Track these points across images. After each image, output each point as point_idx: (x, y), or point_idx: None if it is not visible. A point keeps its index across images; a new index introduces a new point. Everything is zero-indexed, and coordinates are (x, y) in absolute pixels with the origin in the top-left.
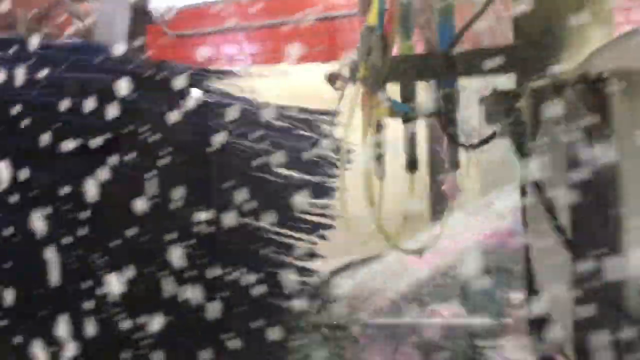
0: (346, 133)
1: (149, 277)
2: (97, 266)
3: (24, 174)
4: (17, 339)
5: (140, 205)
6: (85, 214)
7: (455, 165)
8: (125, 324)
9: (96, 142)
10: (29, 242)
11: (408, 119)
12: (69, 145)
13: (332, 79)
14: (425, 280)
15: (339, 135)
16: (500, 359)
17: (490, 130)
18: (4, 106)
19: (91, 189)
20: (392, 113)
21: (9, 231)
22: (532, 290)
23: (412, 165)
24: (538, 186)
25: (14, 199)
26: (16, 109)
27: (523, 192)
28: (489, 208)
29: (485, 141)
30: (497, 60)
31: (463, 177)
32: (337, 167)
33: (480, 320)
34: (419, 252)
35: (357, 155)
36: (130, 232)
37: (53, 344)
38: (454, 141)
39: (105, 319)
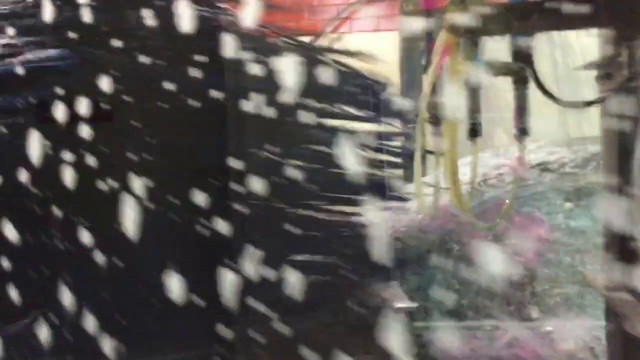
0: (429, 90)
1: None
2: None
3: None
4: None
5: None
6: None
7: (524, 132)
8: None
9: None
10: None
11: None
12: None
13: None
14: None
15: (423, 93)
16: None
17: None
18: None
19: None
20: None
21: None
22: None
23: (474, 132)
24: None
25: None
26: None
27: None
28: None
29: (598, 100)
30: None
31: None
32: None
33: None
34: (491, 228)
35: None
36: None
37: None
38: (551, 96)
39: None
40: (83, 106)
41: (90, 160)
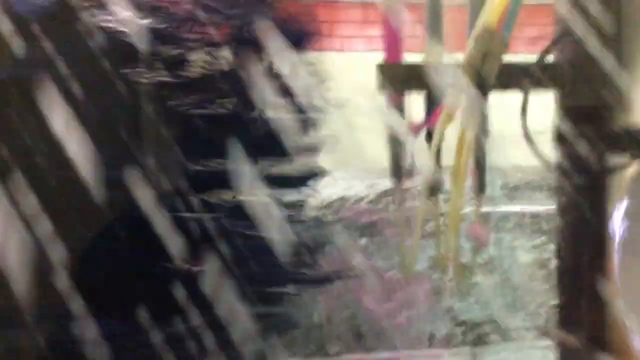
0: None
1: None
2: None
3: None
4: None
5: None
6: None
7: (482, 189)
8: None
9: None
10: None
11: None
12: None
13: None
14: None
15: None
16: None
17: None
18: None
19: None
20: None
21: None
22: None
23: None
24: None
25: None
26: None
27: None
28: None
29: None
30: None
31: None
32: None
33: None
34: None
35: None
36: None
37: None
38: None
39: None
40: None
41: None
